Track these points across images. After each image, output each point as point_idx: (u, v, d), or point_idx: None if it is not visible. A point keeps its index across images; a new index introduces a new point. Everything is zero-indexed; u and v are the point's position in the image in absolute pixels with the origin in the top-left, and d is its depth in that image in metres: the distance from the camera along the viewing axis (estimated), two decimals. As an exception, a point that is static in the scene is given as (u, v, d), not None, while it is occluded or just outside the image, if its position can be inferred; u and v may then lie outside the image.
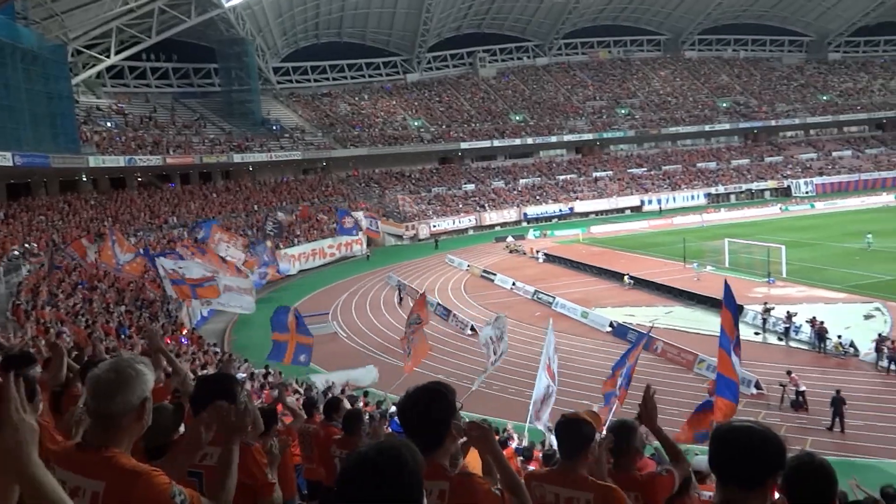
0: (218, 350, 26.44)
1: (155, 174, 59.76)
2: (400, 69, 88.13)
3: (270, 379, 20.33)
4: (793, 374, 20.51)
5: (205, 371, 17.55)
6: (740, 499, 2.41)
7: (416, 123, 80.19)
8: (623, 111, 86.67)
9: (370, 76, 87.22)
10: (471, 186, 76.17)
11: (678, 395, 21.89)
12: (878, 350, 23.17)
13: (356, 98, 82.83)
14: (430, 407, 2.93)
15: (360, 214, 60.62)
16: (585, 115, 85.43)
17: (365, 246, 60.22)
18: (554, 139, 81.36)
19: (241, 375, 17.23)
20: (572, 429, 3.57)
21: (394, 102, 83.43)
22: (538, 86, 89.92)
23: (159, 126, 62.08)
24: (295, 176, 70.80)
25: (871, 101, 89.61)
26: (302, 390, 18.07)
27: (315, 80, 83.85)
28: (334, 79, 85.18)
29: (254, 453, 3.82)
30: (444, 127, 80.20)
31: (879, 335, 24.08)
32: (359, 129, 76.72)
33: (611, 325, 30.22)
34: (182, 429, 4.14)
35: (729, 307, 12.50)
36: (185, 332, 27.32)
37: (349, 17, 78.93)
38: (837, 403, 18.71)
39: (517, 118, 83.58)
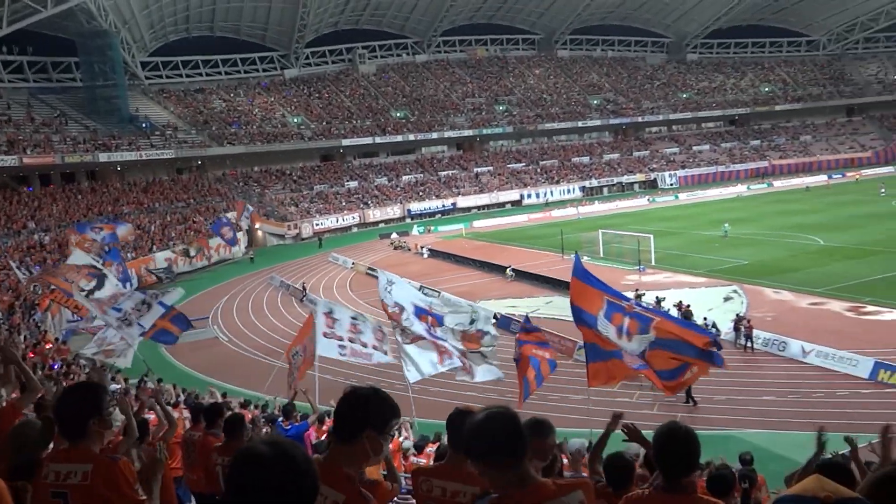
0: (84, 361, 24.93)
1: (10, 175, 55.43)
2: (277, 65, 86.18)
3: (150, 385, 19.41)
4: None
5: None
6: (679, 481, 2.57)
7: (295, 120, 78.70)
8: (501, 108, 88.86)
9: (246, 72, 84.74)
10: (354, 184, 75.70)
11: (560, 382, 22.83)
12: (736, 329, 25.10)
13: (231, 94, 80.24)
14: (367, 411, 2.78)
15: (232, 216, 58.88)
16: (465, 111, 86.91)
17: (244, 247, 58.58)
18: (435, 136, 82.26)
19: (115, 387, 16.37)
20: (463, 422, 3.57)
21: (272, 99, 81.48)
22: (418, 83, 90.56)
23: (14, 124, 57.59)
24: (169, 175, 67.70)
25: (725, 98, 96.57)
26: (183, 398, 17.40)
27: (187, 76, 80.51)
28: (208, 74, 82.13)
29: (121, 467, 3.50)
30: (324, 124, 79.18)
31: (737, 315, 26.10)
32: (235, 126, 74.38)
33: (495, 317, 30.93)
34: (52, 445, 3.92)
35: (585, 280, 11.78)
36: (49, 345, 25.57)
37: (222, 10, 76.26)
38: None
39: (398, 115, 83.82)
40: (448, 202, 74.83)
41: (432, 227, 65.07)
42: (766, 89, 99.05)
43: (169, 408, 8.11)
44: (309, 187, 73.55)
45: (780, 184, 77.70)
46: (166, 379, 21.54)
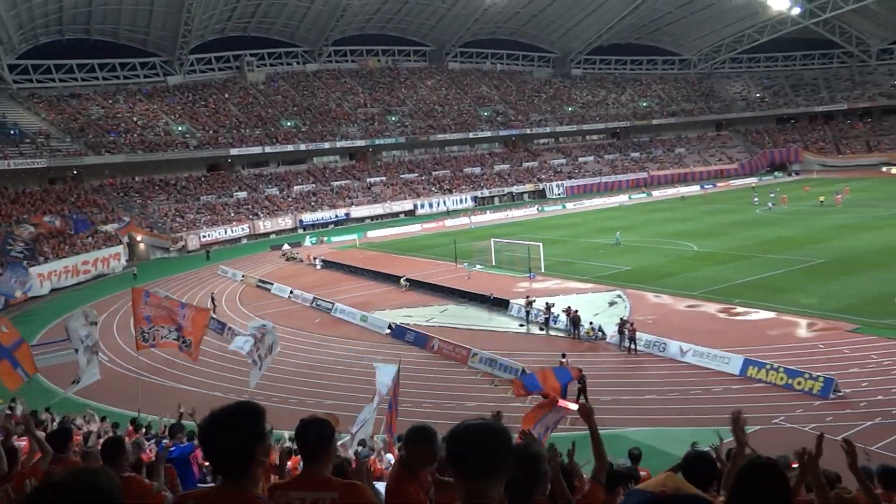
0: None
1: None
2: (160, 71, 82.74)
3: (19, 411, 18.04)
4: (566, 359, 22.54)
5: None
6: (483, 491, 2.47)
7: (180, 129, 75.77)
8: (394, 118, 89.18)
9: (126, 77, 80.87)
10: (243, 194, 73.69)
11: (454, 389, 23.14)
12: (620, 332, 26.31)
13: (110, 101, 76.27)
14: (237, 430, 2.70)
15: (113, 227, 56.14)
16: (358, 121, 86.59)
17: (124, 261, 55.72)
18: (327, 145, 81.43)
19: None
20: (313, 431, 3.48)
21: (154, 106, 78.09)
22: (309, 92, 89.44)
23: None
24: (40, 186, 63.44)
25: (607, 112, 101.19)
26: (55, 421, 16.32)
27: (61, 80, 75.93)
28: (83, 79, 77.78)
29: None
30: (211, 132, 76.68)
31: (621, 319, 27.37)
32: (114, 134, 70.72)
33: (389, 327, 31.03)
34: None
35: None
36: None
37: (98, 12, 72.35)
38: (583, 380, 21.21)
39: (289, 124, 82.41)
40: (341, 212, 74.20)
41: (325, 238, 64.31)
42: (645, 104, 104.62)
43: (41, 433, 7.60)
44: (195, 198, 70.93)
45: (658, 193, 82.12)
46: (42, 404, 20.16)
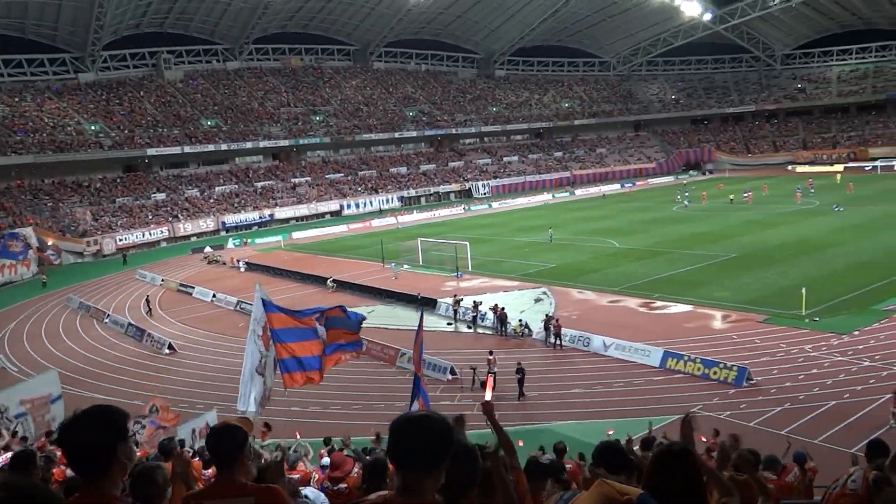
0: None
1: None
2: (70, 68, 79.12)
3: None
4: (493, 356, 22.77)
5: None
6: (418, 481, 2.50)
7: (93, 128, 72.64)
8: (318, 118, 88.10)
9: (33, 74, 76.98)
10: (161, 196, 71.30)
11: (384, 389, 23.08)
12: (545, 329, 26.81)
13: (16, 99, 72.43)
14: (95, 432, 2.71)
15: (29, 231, 53.46)
16: (281, 121, 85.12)
17: (34, 268, 53.05)
18: (250, 145, 79.71)
19: None
20: (225, 437, 3.48)
21: (64, 105, 74.61)
22: (230, 91, 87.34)
23: None
24: (-62, 188, 59.71)
25: (531, 112, 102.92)
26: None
27: (-40, 77, 71.64)
28: (-15, 75, 73.65)
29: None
30: (126, 132, 73.84)
31: (546, 315, 27.89)
32: (21, 133, 67.17)
33: (317, 329, 30.62)
34: None
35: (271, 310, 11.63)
36: None
37: (2, 5, 68.41)
38: (521, 373, 21.67)
39: (209, 123, 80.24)
40: (265, 213, 72.79)
41: (249, 240, 62.94)
42: (567, 105, 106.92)
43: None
44: (111, 200, 68.18)
45: (580, 192, 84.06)
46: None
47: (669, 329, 26.78)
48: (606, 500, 2.12)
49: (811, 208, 55.27)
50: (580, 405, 20.66)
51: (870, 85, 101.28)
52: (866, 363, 21.76)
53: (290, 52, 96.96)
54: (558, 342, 26.09)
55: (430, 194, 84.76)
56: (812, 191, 64.30)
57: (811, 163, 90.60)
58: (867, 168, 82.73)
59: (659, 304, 30.63)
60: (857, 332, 24.66)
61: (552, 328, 26.37)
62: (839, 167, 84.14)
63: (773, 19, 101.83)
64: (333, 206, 77.32)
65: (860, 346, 23.29)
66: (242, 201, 74.08)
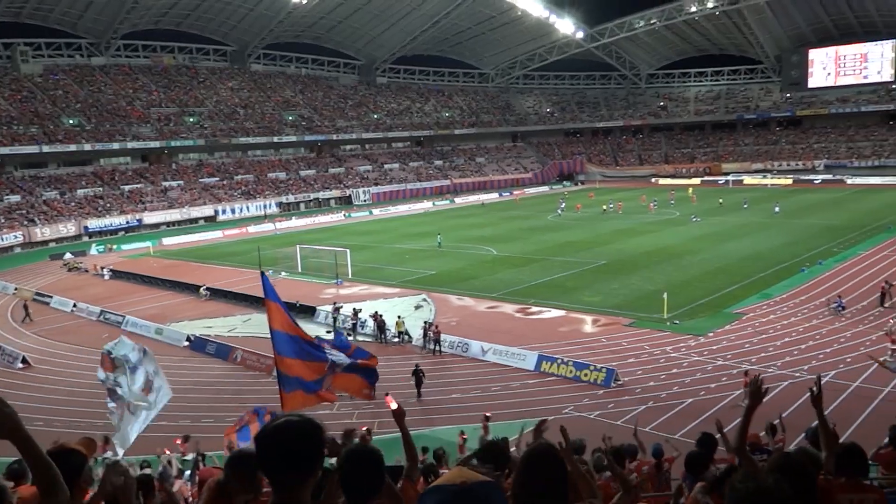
0: None
1: None
2: None
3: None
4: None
5: None
6: (293, 491, 2.46)
7: (-67, 122, 66.18)
8: (192, 119, 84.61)
9: None
10: (15, 198, 65.91)
11: (260, 401, 22.42)
12: (424, 335, 27.07)
13: None
14: None
15: None
16: (151, 121, 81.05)
17: None
18: (116, 146, 75.28)
19: None
20: (59, 462, 3.15)
21: None
22: (95, 88, 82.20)
23: None
24: None
25: (412, 121, 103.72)
26: None
27: None
28: None
29: None
30: (-26, 128, 67.79)
31: (426, 322, 28.18)
32: None
33: (188, 339, 29.44)
34: None
35: (274, 299, 10.82)
36: None
37: None
38: (418, 374, 22.15)
39: (71, 122, 75.12)
40: (133, 218, 68.96)
41: (114, 246, 59.36)
42: (447, 114, 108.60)
43: None
44: (-46, 202, 62.35)
45: (460, 200, 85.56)
46: None
47: (544, 333, 27.77)
48: (456, 479, 2.22)
49: (672, 218, 59.02)
50: (459, 410, 21.01)
51: (723, 105, 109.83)
52: (720, 362, 23.51)
53: (162, 50, 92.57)
54: (437, 348, 26.41)
55: (310, 200, 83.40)
56: (672, 202, 68.70)
57: (672, 176, 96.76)
58: (720, 182, 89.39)
59: (534, 309, 31.69)
60: (711, 334, 26.59)
61: (431, 334, 26.67)
62: (696, 181, 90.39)
63: (639, 41, 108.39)
64: (208, 211, 74.43)
65: (714, 347, 25.14)
66: (108, 205, 69.83)
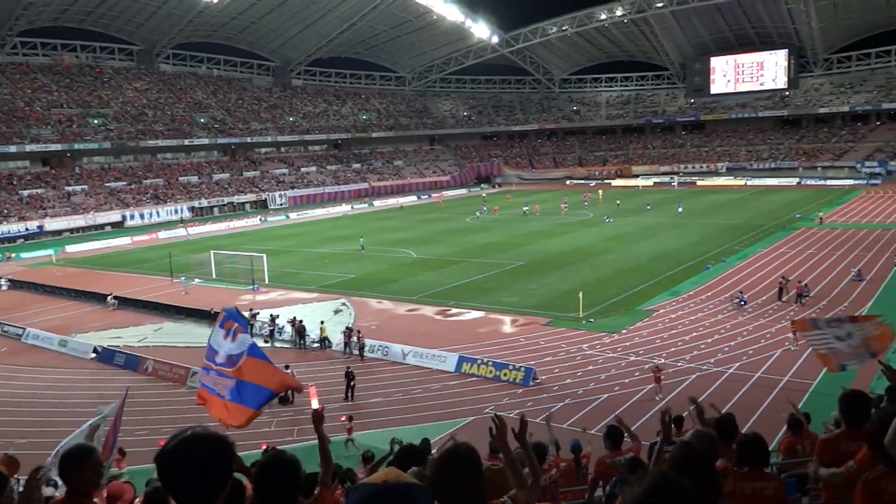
0: None
1: None
2: None
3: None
4: (290, 370, 22.25)
5: None
6: None
7: None
8: (96, 121, 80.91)
9: None
10: None
11: (173, 412, 21.75)
12: (346, 340, 26.82)
13: None
14: None
15: None
16: (52, 123, 77.00)
17: None
18: (14, 149, 71.12)
19: None
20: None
21: None
22: (-12, 87, 77.50)
23: None
24: None
25: (329, 123, 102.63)
26: None
27: None
28: None
29: None
30: None
31: (347, 327, 27.94)
32: None
33: (95, 350, 28.14)
34: None
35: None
36: None
37: None
38: (350, 376, 22.13)
39: (-39, 123, 70.49)
40: (33, 225, 65.27)
41: (13, 255, 56.05)
42: (364, 117, 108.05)
43: None
44: None
45: (378, 203, 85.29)
46: None
47: (464, 335, 28.02)
48: (380, 477, 2.26)
49: (586, 219, 60.70)
50: (380, 413, 20.95)
51: (632, 110, 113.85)
52: (632, 358, 24.34)
53: (64, 49, 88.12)
54: (361, 353, 26.21)
55: (224, 205, 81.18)
56: (586, 203, 70.66)
57: (586, 178, 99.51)
58: (632, 185, 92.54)
59: (454, 311, 31.93)
60: (624, 331, 27.50)
61: (356, 339, 26.45)
62: (610, 181, 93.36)
63: (552, 46, 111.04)
64: (115, 216, 71.30)
65: (627, 343, 26.01)
66: (5, 211, 65.87)
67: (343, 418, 19.16)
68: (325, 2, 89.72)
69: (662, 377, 21.00)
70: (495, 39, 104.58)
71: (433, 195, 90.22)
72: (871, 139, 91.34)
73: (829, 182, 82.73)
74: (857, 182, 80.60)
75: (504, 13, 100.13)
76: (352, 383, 22.29)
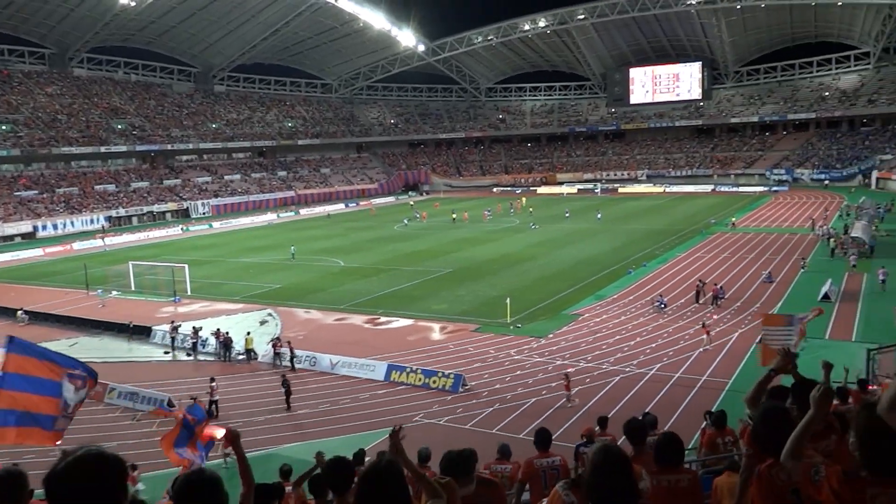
0: None
1: None
2: None
3: None
4: (215, 384, 21.69)
5: None
6: None
7: None
8: (4, 127, 76.87)
9: None
10: None
11: (89, 431, 20.85)
12: (274, 350, 26.32)
13: None
14: None
15: None
16: (-47, 129, 72.79)
17: None
18: (-90, 156, 66.90)
19: None
20: None
21: None
22: None
23: None
24: None
25: (253, 131, 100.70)
26: None
27: None
28: None
29: None
30: None
31: (276, 338, 27.45)
32: None
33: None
34: None
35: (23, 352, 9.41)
36: None
37: None
38: (287, 385, 21.97)
39: None
40: (-67, 237, 61.46)
41: (-89, 269, 52.63)
42: (290, 124, 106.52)
43: None
44: None
45: (305, 212, 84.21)
46: None
47: (393, 343, 27.96)
48: None
49: (513, 226, 61.58)
50: (307, 425, 20.65)
51: (556, 119, 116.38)
52: (559, 362, 24.82)
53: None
54: (290, 363, 25.74)
55: (144, 214, 78.44)
56: (513, 211, 71.72)
57: (512, 186, 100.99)
58: (557, 192, 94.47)
59: (383, 319, 31.81)
60: (551, 335, 28.02)
61: (287, 350, 25.97)
62: (536, 188, 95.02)
63: (478, 56, 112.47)
64: (25, 227, 67.85)
65: (554, 348, 26.51)
66: None
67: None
68: (247, 7, 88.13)
69: (572, 385, 21.30)
70: (421, 48, 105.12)
71: (361, 203, 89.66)
72: (779, 148, 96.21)
73: (741, 189, 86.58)
74: (766, 189, 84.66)
75: (430, 22, 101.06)
76: (288, 392, 21.99)
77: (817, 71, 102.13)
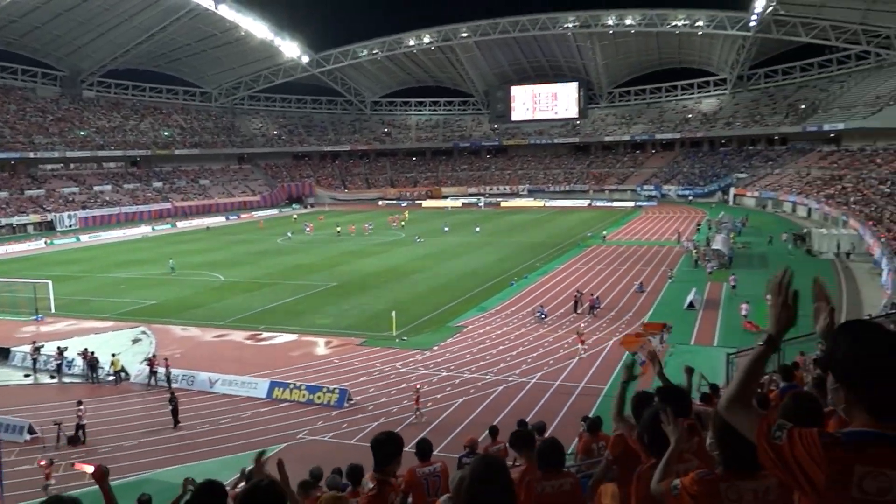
0: None
1: None
2: None
3: None
4: (81, 407, 20.35)
5: None
6: None
7: None
8: None
9: None
10: None
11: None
12: (150, 371, 24.99)
13: None
14: None
15: None
16: None
17: None
18: None
19: None
20: None
21: None
22: None
23: None
24: None
25: (126, 139, 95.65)
26: None
27: None
28: None
29: None
30: None
31: (153, 355, 26.14)
32: None
33: None
34: None
35: None
36: None
37: None
38: (174, 402, 21.15)
39: None
40: None
41: None
42: (166, 133, 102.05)
43: None
44: None
45: (183, 224, 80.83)
46: None
47: (276, 359, 27.32)
48: None
49: (398, 239, 61.81)
50: (184, 448, 19.77)
51: (440, 133, 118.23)
52: (444, 373, 25.14)
53: None
54: (167, 383, 24.52)
55: (2, 226, 72.55)
56: (394, 225, 71.98)
57: (398, 199, 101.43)
58: (442, 206, 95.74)
59: (265, 335, 31.03)
60: (436, 347, 28.33)
61: (166, 369, 24.72)
62: (421, 202, 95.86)
63: (363, 69, 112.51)
64: None
65: (439, 359, 26.81)
66: None
67: (42, 462, 17.11)
68: (120, 10, 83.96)
69: (421, 401, 21.47)
70: (305, 59, 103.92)
71: (243, 216, 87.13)
72: (649, 165, 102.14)
73: (614, 203, 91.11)
74: (637, 203, 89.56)
75: (315, 34, 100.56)
76: (175, 409, 21.16)
77: (682, 94, 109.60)
